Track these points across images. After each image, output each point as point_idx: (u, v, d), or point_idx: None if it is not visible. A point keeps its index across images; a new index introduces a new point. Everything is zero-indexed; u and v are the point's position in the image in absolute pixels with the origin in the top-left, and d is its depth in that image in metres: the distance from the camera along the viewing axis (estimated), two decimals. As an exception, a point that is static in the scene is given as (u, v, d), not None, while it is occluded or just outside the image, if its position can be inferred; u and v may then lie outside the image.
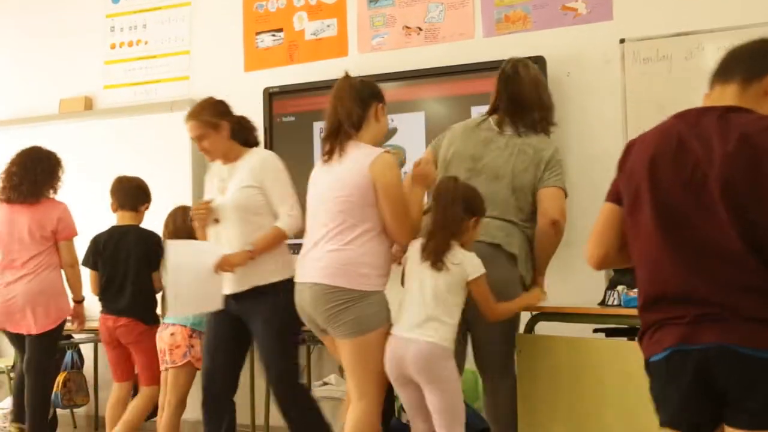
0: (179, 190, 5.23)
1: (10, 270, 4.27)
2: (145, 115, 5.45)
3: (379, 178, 2.88)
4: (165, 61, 5.59)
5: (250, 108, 5.05)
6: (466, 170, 3.16)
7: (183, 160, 5.27)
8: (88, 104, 5.73)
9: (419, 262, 2.85)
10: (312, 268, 2.93)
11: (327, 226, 2.93)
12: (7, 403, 4.85)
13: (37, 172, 4.32)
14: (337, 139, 2.99)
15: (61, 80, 5.83)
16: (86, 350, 5.26)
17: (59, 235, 4.30)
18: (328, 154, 3.00)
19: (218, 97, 3.35)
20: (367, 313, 2.85)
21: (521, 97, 3.23)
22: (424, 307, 2.78)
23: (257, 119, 4.97)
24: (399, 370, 2.80)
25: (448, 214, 2.84)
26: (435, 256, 2.80)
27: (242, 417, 4.58)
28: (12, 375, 5.16)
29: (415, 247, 2.91)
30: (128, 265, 4.10)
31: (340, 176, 2.94)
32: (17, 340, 4.38)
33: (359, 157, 2.93)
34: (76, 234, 4.38)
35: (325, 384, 3.97)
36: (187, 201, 5.15)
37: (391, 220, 2.90)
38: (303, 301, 2.99)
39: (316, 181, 3.09)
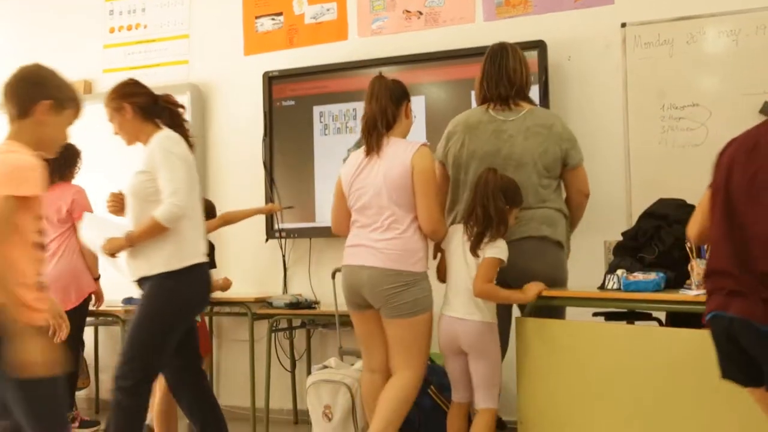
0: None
1: None
2: (144, 99, 5.43)
3: (417, 164, 3.14)
4: (164, 45, 5.57)
5: (250, 92, 5.07)
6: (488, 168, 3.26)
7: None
8: (87, 88, 5.71)
9: (460, 248, 3.15)
10: (369, 254, 3.17)
11: (379, 217, 3.18)
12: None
13: (48, 160, 4.47)
14: (373, 136, 3.22)
15: (59, 64, 5.73)
16: (86, 334, 5.26)
17: (75, 215, 4.51)
18: (369, 151, 3.23)
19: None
20: (420, 297, 3.17)
21: (511, 70, 3.35)
22: (466, 290, 3.10)
23: (257, 103, 4.99)
24: (452, 344, 3.16)
25: (488, 205, 3.08)
26: (473, 245, 3.09)
27: (242, 400, 4.64)
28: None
29: (457, 234, 3.19)
30: None
31: (386, 172, 3.17)
32: None
33: (400, 152, 3.18)
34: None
35: (325, 367, 3.98)
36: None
37: (421, 205, 3.15)
38: (357, 281, 3.22)
39: (358, 175, 3.25)
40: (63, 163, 4.60)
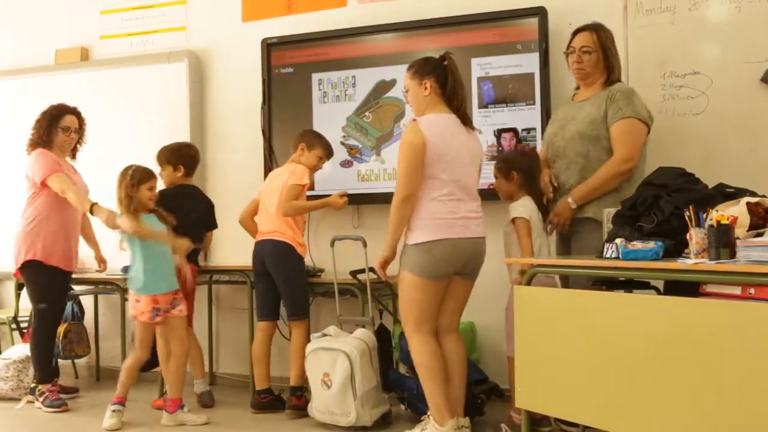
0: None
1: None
2: (141, 66, 5.40)
3: (481, 148, 3.62)
4: (162, 11, 5.51)
5: (248, 59, 5.03)
6: None
7: (180, 111, 5.23)
8: (84, 55, 5.68)
9: (539, 221, 3.66)
10: (474, 225, 3.43)
11: (472, 190, 3.45)
12: (9, 353, 4.88)
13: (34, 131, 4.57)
14: (465, 112, 3.50)
15: (56, 30, 5.77)
16: (86, 302, 5.28)
17: (36, 180, 4.39)
18: (465, 123, 3.49)
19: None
20: None
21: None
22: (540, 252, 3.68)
23: (255, 70, 4.95)
24: None
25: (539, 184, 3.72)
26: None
27: (242, 368, 4.67)
28: (13, 326, 5.20)
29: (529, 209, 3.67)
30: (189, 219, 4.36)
31: (475, 149, 3.51)
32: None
33: (474, 136, 3.53)
34: (46, 173, 4.37)
35: (324, 335, 3.99)
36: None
37: (478, 180, 3.56)
38: (466, 252, 3.42)
39: (453, 144, 3.39)
40: (36, 129, 4.54)
